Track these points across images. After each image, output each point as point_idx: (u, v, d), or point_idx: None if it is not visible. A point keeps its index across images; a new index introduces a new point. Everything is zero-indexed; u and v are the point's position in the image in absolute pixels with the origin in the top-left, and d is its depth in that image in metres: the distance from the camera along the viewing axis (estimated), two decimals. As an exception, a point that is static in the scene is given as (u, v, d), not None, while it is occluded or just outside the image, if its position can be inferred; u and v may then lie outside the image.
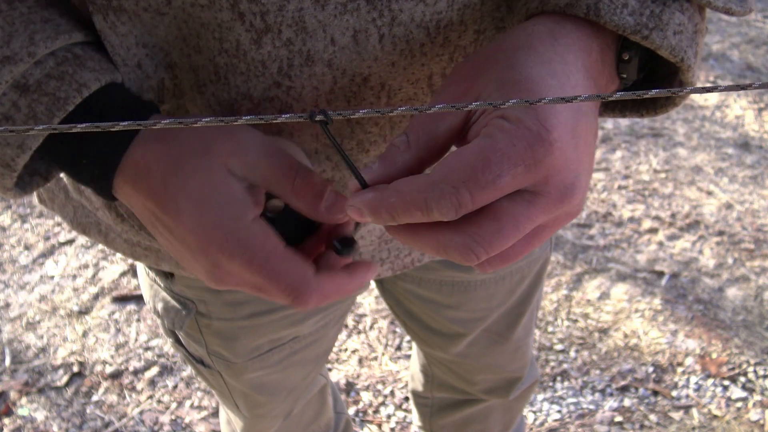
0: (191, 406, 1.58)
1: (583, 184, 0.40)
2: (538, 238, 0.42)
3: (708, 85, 2.64)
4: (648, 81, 0.50)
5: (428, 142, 0.41)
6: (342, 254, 0.49)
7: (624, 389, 1.60)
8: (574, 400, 1.58)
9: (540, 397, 1.59)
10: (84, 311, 1.81)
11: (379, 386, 1.62)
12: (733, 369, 1.62)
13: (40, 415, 1.57)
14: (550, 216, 0.40)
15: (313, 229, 0.50)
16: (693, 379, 1.61)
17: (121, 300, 1.83)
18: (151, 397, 1.60)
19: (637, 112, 0.52)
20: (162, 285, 0.72)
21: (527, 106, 0.38)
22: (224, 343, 0.74)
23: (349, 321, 1.77)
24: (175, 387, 1.62)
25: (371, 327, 1.75)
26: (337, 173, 0.56)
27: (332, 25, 0.46)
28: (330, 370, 1.65)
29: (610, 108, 0.52)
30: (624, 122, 2.44)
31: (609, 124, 2.42)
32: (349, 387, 1.62)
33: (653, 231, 2.00)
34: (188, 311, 0.71)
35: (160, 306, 0.74)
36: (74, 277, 1.90)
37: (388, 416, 1.56)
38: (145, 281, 0.76)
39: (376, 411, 1.57)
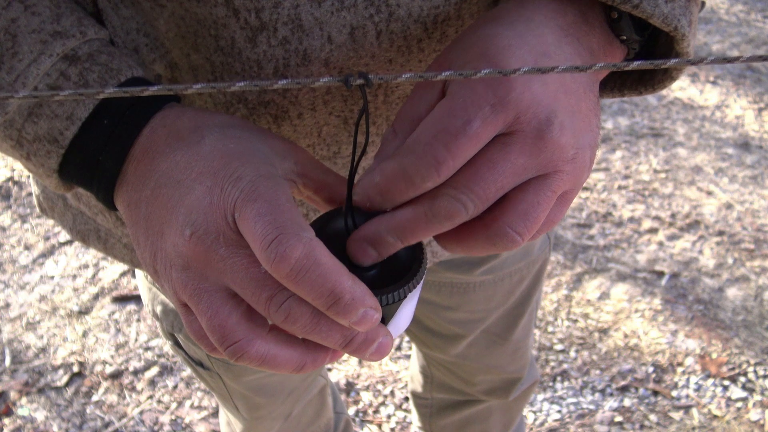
0: (191, 406, 1.58)
1: (561, 122, 0.38)
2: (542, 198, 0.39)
3: (708, 83, 2.64)
4: (650, 52, 0.49)
5: (412, 124, 0.41)
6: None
7: (624, 389, 1.60)
8: (574, 400, 1.58)
9: (540, 397, 1.59)
10: (84, 311, 1.81)
11: (379, 386, 1.62)
12: (733, 369, 1.62)
13: (40, 415, 1.57)
14: (534, 160, 0.38)
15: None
16: (693, 379, 1.61)
17: (121, 300, 1.83)
18: (151, 397, 1.60)
19: (635, 90, 0.50)
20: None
21: (482, 58, 0.39)
22: (223, 345, 0.73)
23: (349, 321, 1.77)
24: (175, 387, 1.62)
25: (371, 327, 1.75)
26: None
27: (329, 23, 0.45)
28: (330, 370, 1.65)
29: (609, 88, 0.51)
30: (624, 122, 2.44)
31: (609, 124, 2.42)
32: (349, 387, 1.62)
33: (653, 231, 1.99)
34: (187, 314, 0.71)
35: (159, 309, 0.73)
36: (74, 277, 1.90)
37: (388, 416, 1.56)
38: (144, 284, 0.75)
39: (376, 411, 1.57)
